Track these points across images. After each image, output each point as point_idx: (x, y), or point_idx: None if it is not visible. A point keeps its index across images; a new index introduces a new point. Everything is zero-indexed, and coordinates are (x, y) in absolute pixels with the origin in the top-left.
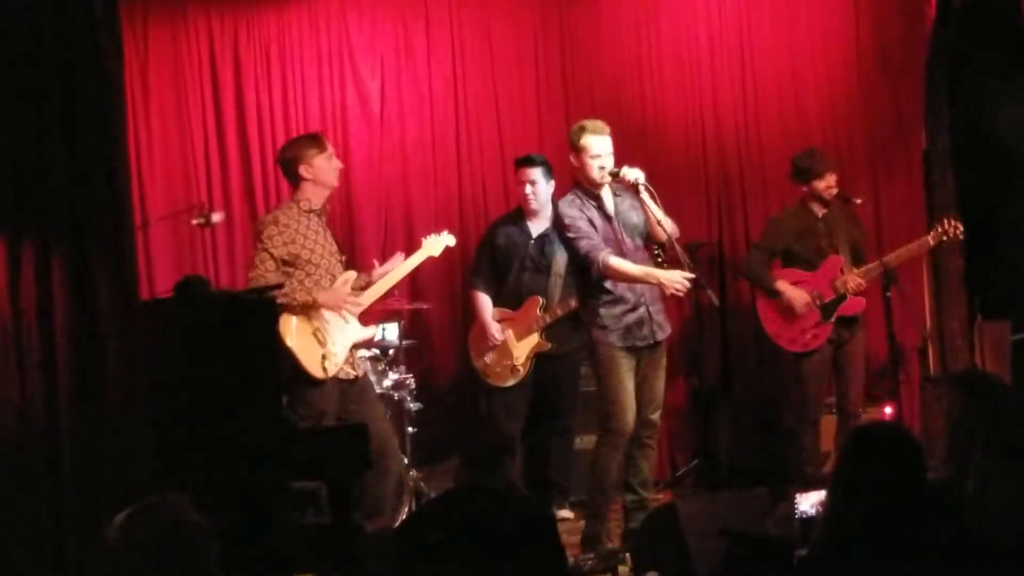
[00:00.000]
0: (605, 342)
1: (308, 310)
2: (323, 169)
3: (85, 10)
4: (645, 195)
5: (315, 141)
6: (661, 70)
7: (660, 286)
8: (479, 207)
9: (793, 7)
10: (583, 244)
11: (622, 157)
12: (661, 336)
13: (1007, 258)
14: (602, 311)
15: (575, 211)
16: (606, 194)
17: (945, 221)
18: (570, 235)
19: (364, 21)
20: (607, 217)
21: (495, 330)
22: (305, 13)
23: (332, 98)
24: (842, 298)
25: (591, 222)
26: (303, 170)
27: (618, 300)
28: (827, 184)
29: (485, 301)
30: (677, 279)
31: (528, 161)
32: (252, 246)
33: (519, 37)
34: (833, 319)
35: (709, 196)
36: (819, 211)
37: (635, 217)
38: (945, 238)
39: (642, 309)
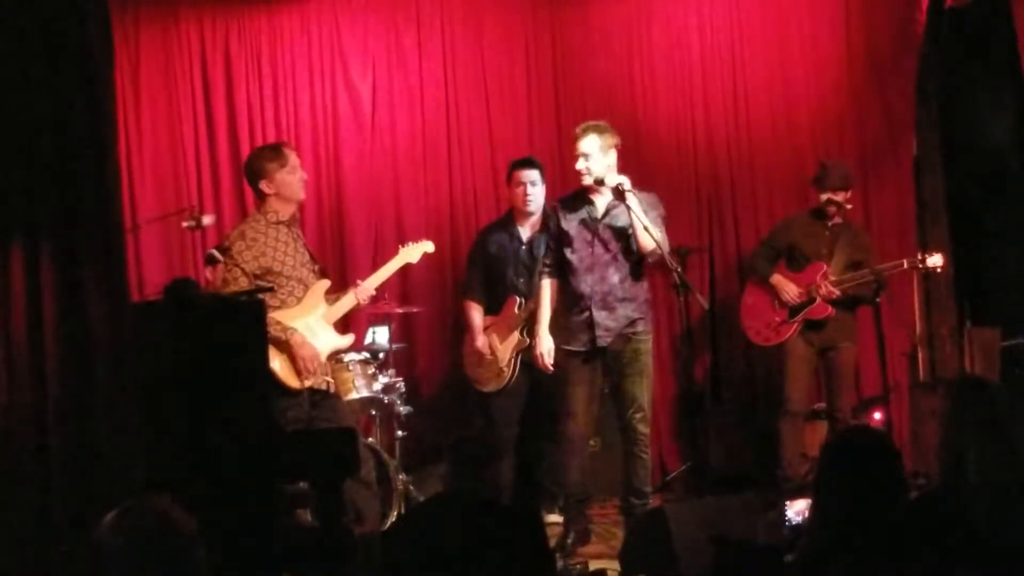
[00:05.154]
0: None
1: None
2: (285, 183)
3: (75, 11)
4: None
5: (276, 154)
6: (652, 76)
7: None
8: (469, 209)
9: (784, 15)
10: None
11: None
12: (604, 343)
13: (997, 264)
14: (561, 311)
15: None
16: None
17: (925, 255)
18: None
19: (355, 24)
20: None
21: (482, 343)
22: (296, 16)
23: (323, 101)
24: (810, 301)
25: None
26: (264, 185)
27: (567, 299)
28: (824, 199)
29: (477, 313)
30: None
31: (528, 163)
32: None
33: (511, 41)
34: (798, 320)
35: (699, 201)
36: (832, 220)
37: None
38: (919, 266)
39: (586, 314)
